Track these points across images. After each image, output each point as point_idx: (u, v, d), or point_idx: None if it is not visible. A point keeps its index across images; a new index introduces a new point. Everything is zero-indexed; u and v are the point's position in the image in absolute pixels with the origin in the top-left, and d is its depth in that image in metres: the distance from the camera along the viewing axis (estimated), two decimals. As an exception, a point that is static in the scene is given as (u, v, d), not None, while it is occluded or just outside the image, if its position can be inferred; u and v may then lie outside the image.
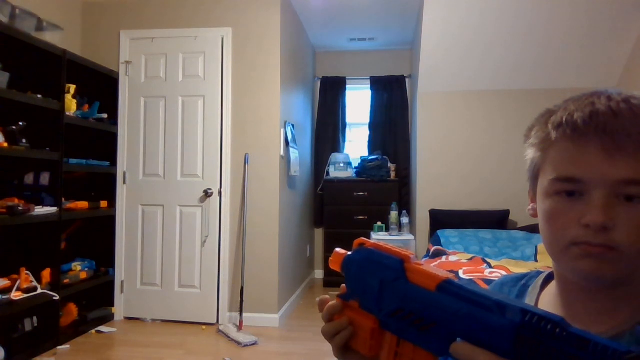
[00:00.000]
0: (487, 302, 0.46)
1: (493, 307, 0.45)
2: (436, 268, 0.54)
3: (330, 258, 0.64)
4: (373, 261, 0.58)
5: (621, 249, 0.53)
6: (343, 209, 4.91)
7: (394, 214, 4.53)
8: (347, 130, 5.56)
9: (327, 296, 0.63)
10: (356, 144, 5.61)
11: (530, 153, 0.63)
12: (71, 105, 3.34)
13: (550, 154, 0.59)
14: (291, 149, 4.07)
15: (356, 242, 0.62)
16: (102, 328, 3.56)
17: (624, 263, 0.54)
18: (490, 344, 0.45)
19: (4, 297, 2.75)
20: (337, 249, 0.64)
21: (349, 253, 0.62)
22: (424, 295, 0.51)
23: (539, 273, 0.74)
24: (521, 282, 0.75)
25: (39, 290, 2.97)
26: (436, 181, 4.45)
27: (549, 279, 0.70)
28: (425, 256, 3.72)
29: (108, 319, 3.75)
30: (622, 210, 0.53)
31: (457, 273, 2.92)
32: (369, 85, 5.40)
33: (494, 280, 0.84)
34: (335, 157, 5.13)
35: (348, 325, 0.59)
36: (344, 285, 0.62)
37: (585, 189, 0.55)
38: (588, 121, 0.55)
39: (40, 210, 3.03)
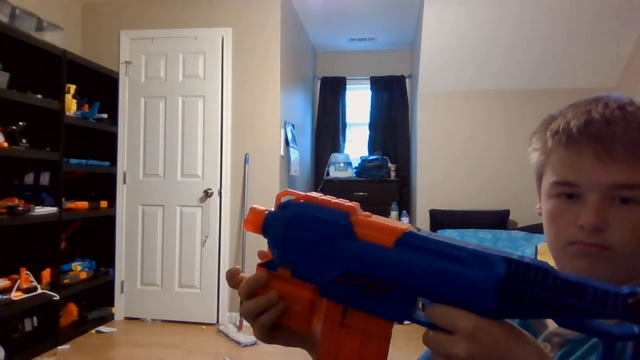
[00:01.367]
0: (461, 254, 0.40)
1: (469, 259, 0.40)
2: (390, 219, 0.46)
3: (246, 217, 0.51)
4: (309, 217, 0.47)
5: (614, 249, 0.56)
6: (343, 209, 4.90)
7: (394, 214, 4.53)
8: (347, 130, 5.56)
9: (238, 267, 0.55)
10: (356, 144, 5.61)
11: (534, 157, 0.66)
12: (71, 105, 3.34)
13: (550, 159, 0.62)
14: (291, 149, 4.07)
15: (279, 195, 0.51)
16: (102, 328, 3.56)
17: (618, 262, 0.56)
18: (468, 302, 0.40)
19: (4, 297, 2.75)
20: (255, 206, 0.52)
21: (272, 210, 0.51)
22: (379, 253, 0.43)
23: None
24: None
25: (39, 290, 2.97)
26: (436, 181, 4.45)
27: None
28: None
29: (108, 319, 3.75)
30: (616, 212, 0.56)
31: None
32: (369, 85, 5.39)
33: None
34: (335, 157, 5.12)
35: (278, 300, 0.50)
36: (263, 250, 0.52)
37: (582, 192, 0.58)
38: (582, 129, 0.58)
39: (40, 210, 3.03)
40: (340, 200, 0.48)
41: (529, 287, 0.38)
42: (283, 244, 0.49)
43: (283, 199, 0.50)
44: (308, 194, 0.49)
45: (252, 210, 0.52)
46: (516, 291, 0.38)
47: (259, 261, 0.52)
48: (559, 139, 0.60)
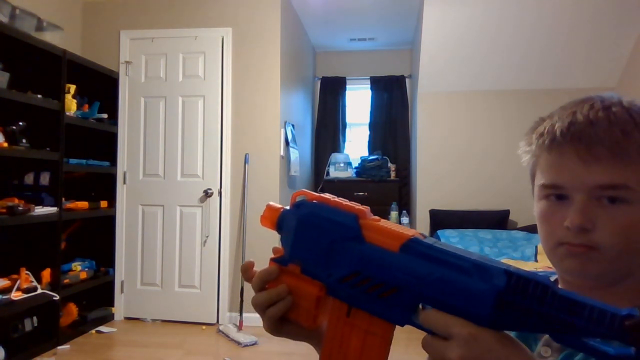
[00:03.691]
0: (462, 264, 0.41)
1: (470, 269, 0.41)
2: (398, 225, 0.47)
3: (263, 214, 0.54)
4: (320, 217, 0.49)
5: (602, 249, 0.56)
6: (343, 209, 4.89)
7: (394, 214, 4.53)
8: (347, 130, 5.56)
9: (252, 260, 0.57)
10: (356, 144, 5.61)
11: (526, 159, 0.67)
12: (71, 105, 3.34)
13: (539, 161, 0.63)
14: (291, 149, 4.07)
15: (295, 194, 0.53)
16: (102, 328, 3.56)
17: (606, 261, 0.56)
18: (466, 311, 0.40)
19: (4, 297, 2.75)
20: (271, 203, 0.54)
21: (287, 208, 0.52)
22: (385, 256, 0.44)
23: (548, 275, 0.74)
24: None
25: (39, 290, 2.97)
26: (436, 181, 4.45)
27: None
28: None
29: (108, 319, 3.74)
30: (603, 212, 0.56)
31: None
32: (369, 85, 5.39)
33: None
34: (335, 157, 5.12)
35: (287, 294, 0.51)
36: (277, 247, 0.54)
37: (568, 193, 0.58)
38: (565, 132, 0.58)
39: (40, 210, 3.03)
40: (352, 203, 0.49)
41: (527, 301, 0.39)
42: (294, 241, 0.51)
43: (298, 199, 0.52)
44: (322, 195, 0.51)
45: (269, 207, 0.54)
46: (514, 303, 0.39)
47: (272, 256, 0.54)
48: (543, 141, 0.60)
